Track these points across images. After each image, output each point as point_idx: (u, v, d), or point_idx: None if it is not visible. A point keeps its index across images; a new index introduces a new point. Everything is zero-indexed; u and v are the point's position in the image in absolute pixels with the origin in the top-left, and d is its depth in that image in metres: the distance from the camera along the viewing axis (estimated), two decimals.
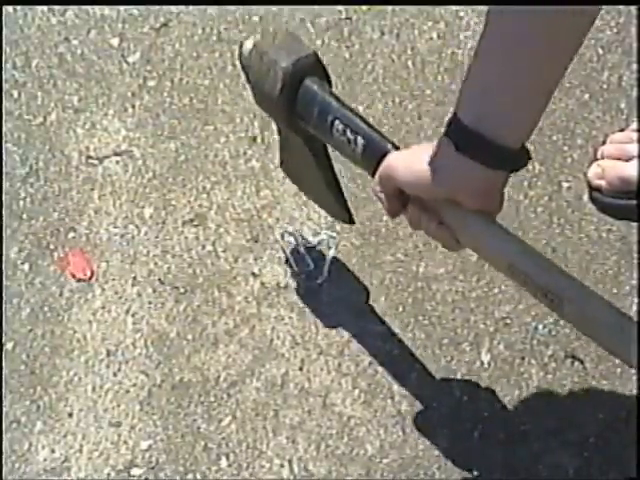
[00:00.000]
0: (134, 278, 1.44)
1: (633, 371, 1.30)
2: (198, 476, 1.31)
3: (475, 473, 1.27)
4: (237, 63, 1.54)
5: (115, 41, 1.61)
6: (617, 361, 1.32)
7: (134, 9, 1.63)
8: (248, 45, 1.23)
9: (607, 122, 1.47)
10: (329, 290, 1.40)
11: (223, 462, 1.31)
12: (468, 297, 1.38)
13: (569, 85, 1.49)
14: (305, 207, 1.45)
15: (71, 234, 1.47)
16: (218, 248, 1.45)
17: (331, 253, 1.42)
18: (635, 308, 1.34)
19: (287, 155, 1.36)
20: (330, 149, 1.24)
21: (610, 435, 1.28)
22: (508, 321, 1.36)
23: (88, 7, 1.63)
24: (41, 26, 1.63)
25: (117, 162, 1.52)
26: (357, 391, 1.34)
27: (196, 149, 1.52)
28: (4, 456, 1.33)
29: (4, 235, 1.48)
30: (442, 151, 0.98)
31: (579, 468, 1.26)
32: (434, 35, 1.56)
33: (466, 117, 0.95)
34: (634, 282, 1.36)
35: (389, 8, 1.58)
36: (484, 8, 0.93)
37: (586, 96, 1.49)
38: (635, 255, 1.37)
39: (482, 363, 1.34)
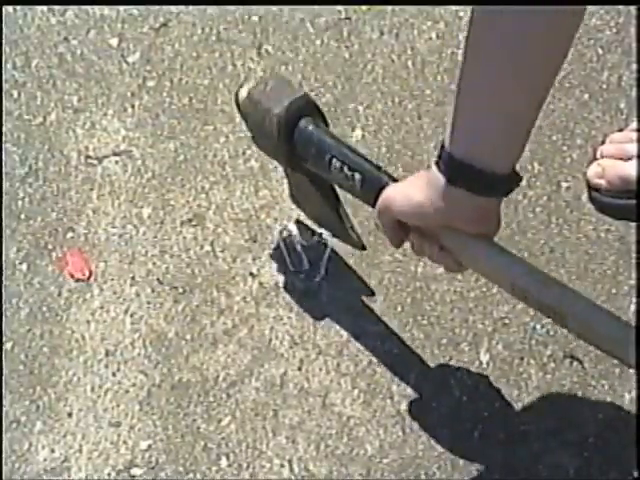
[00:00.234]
0: (133, 278, 1.44)
1: (632, 371, 1.30)
2: (198, 476, 1.31)
3: (475, 473, 1.27)
4: (237, 63, 1.55)
5: (115, 41, 1.60)
6: (616, 361, 1.32)
7: (134, 9, 1.63)
8: (243, 93, 1.26)
9: (607, 122, 1.47)
10: (328, 290, 1.40)
11: (223, 462, 1.31)
12: (467, 297, 1.38)
13: (569, 85, 1.49)
14: None
15: (70, 234, 1.47)
16: (216, 248, 1.45)
17: (329, 252, 1.42)
18: (633, 308, 1.34)
19: (294, 189, 1.39)
20: None
21: (610, 435, 1.28)
22: (507, 321, 1.36)
23: (88, 7, 1.63)
24: (41, 26, 1.63)
25: (116, 162, 1.52)
26: (356, 391, 1.34)
27: (195, 149, 1.52)
28: (4, 456, 1.33)
29: (3, 235, 1.47)
30: (435, 184, 0.99)
31: (579, 468, 1.26)
32: (434, 35, 1.56)
33: (456, 150, 0.96)
34: (632, 282, 1.36)
35: (389, 8, 1.58)
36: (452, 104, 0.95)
37: (586, 96, 1.49)
38: (633, 255, 1.37)
39: (481, 363, 1.34)
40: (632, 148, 1.10)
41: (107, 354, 1.39)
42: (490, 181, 0.97)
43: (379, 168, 1.17)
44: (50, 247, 1.46)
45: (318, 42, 1.57)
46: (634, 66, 1.50)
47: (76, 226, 1.48)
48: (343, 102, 1.53)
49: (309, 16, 1.60)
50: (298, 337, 1.38)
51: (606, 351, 1.02)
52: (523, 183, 1.41)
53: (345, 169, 1.18)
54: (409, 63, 1.55)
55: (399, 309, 1.38)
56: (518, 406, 1.31)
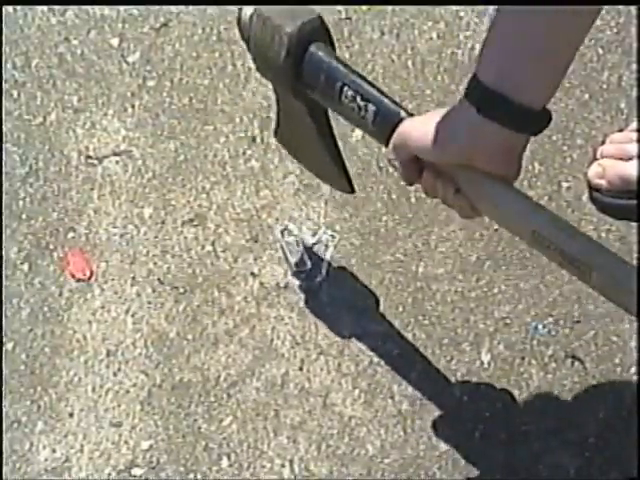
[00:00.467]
0: (133, 278, 1.44)
1: (633, 371, 1.30)
2: (199, 476, 1.31)
3: (476, 473, 1.27)
4: (237, 63, 1.55)
5: (115, 41, 1.60)
6: (617, 361, 1.32)
7: (134, 9, 1.62)
8: (248, 11, 1.18)
9: (607, 122, 1.47)
10: (329, 290, 1.40)
11: (224, 462, 1.31)
12: (468, 297, 1.38)
13: (569, 85, 1.49)
14: (304, 207, 1.46)
15: (70, 234, 1.47)
16: (217, 248, 1.45)
17: (330, 252, 1.42)
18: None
19: (286, 124, 1.31)
20: (333, 116, 1.21)
21: (610, 435, 1.28)
22: (508, 321, 1.36)
23: (88, 7, 1.63)
24: (41, 26, 1.63)
25: (117, 162, 1.52)
26: (357, 391, 1.34)
27: (195, 149, 1.52)
28: (5, 456, 1.33)
29: (4, 235, 1.47)
30: (462, 114, 0.96)
31: (579, 468, 1.27)
32: (434, 35, 1.56)
33: (487, 78, 0.93)
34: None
35: (389, 8, 1.58)
36: (484, 8, 0.94)
37: (586, 96, 1.49)
38: (635, 255, 1.37)
39: (482, 363, 1.34)
40: (632, 148, 1.09)
41: (108, 354, 1.39)
42: (522, 115, 0.94)
43: (395, 102, 1.10)
44: (51, 247, 1.47)
45: None
46: (634, 66, 1.50)
47: (77, 226, 1.48)
48: None
49: None
50: (299, 337, 1.38)
51: (630, 309, 0.97)
52: (524, 183, 1.42)
53: (358, 99, 1.10)
54: (409, 63, 1.55)
55: (400, 309, 1.38)
56: (519, 406, 1.31)
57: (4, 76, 1.59)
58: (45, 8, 1.64)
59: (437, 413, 1.31)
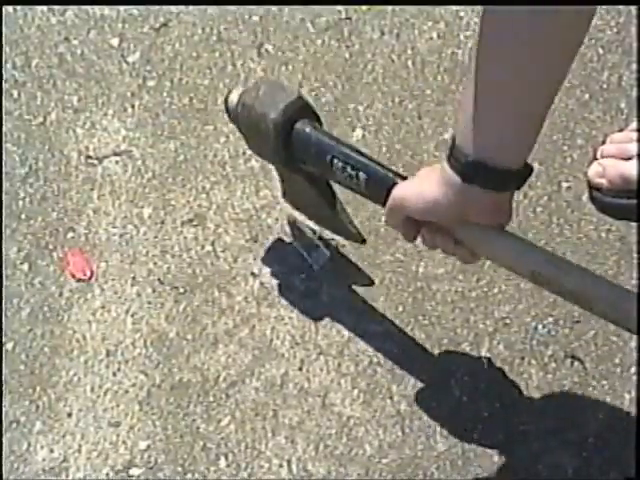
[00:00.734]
0: (133, 278, 1.44)
1: (633, 371, 1.30)
2: (197, 476, 1.31)
3: (475, 473, 1.27)
4: (237, 63, 1.55)
5: (115, 41, 1.60)
6: (617, 361, 1.32)
7: (134, 9, 1.62)
8: (233, 98, 1.25)
9: (607, 122, 1.47)
10: (329, 290, 1.40)
11: (222, 462, 1.31)
12: (468, 297, 1.38)
13: (569, 85, 1.49)
14: None
15: (70, 234, 1.47)
16: (217, 248, 1.45)
17: (330, 252, 1.41)
18: None
19: (289, 189, 1.38)
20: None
21: (610, 435, 1.28)
22: (508, 321, 1.36)
23: (88, 7, 1.63)
24: (41, 26, 1.63)
25: (116, 162, 1.52)
26: (356, 391, 1.34)
27: (195, 149, 1.52)
28: (3, 456, 1.33)
29: (3, 235, 1.47)
30: (448, 182, 0.99)
31: (579, 468, 1.26)
32: (434, 35, 1.56)
33: (470, 149, 0.96)
34: (634, 282, 1.36)
35: (389, 8, 1.58)
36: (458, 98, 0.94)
37: (586, 96, 1.49)
38: (635, 255, 1.37)
39: (482, 363, 1.34)
40: (633, 148, 1.10)
41: (108, 354, 1.39)
42: (505, 177, 0.98)
43: (383, 166, 1.16)
44: (51, 247, 1.47)
45: (319, 42, 1.57)
46: (634, 66, 1.50)
47: (77, 226, 1.48)
48: (343, 102, 1.52)
49: (309, 16, 1.59)
50: (299, 337, 1.38)
51: (631, 330, 1.01)
52: None
53: (348, 169, 1.17)
54: (409, 63, 1.54)
55: (400, 309, 1.38)
56: (518, 406, 1.31)
57: (4, 76, 1.59)
58: (45, 8, 1.64)
59: (436, 413, 1.31)
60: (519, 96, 0.93)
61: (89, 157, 1.53)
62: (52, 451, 1.33)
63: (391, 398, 1.33)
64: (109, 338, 1.40)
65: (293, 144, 1.21)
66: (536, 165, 1.43)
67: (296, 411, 1.33)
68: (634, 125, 1.15)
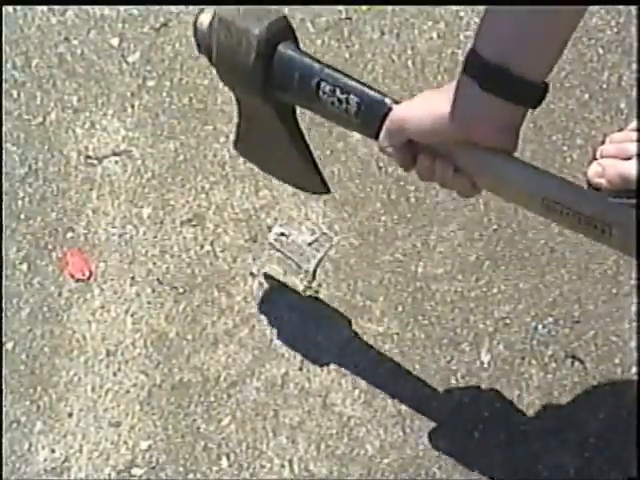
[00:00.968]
0: (133, 278, 1.44)
1: (633, 371, 1.30)
2: (198, 476, 1.31)
3: (475, 473, 1.27)
4: None
5: (115, 41, 1.60)
6: (617, 361, 1.32)
7: (134, 9, 1.62)
8: (205, 18, 1.14)
9: (607, 122, 1.47)
10: (328, 290, 1.40)
11: (223, 462, 1.31)
12: (467, 297, 1.38)
13: (569, 85, 1.49)
14: (303, 207, 1.45)
15: (70, 234, 1.47)
16: (217, 248, 1.44)
17: (329, 252, 1.42)
18: (634, 308, 1.34)
19: (250, 133, 1.27)
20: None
21: (610, 435, 1.28)
22: (508, 321, 1.36)
23: (88, 7, 1.63)
24: (41, 26, 1.63)
25: (116, 162, 1.52)
26: (357, 391, 1.34)
27: (195, 149, 1.52)
28: (4, 456, 1.33)
29: (3, 235, 1.47)
30: (462, 90, 0.95)
31: (579, 468, 1.26)
32: (434, 35, 1.56)
33: (487, 52, 0.93)
34: (633, 282, 1.36)
35: (389, 8, 1.58)
36: (484, 8, 0.93)
37: (586, 96, 1.49)
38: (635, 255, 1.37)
39: (482, 363, 1.34)
40: (632, 147, 1.10)
41: (108, 354, 1.39)
42: (524, 88, 0.94)
43: (377, 90, 1.07)
44: (50, 247, 1.46)
45: (319, 42, 1.57)
46: (634, 66, 1.50)
47: (76, 226, 1.48)
48: None
49: (310, 16, 1.59)
50: (299, 337, 1.38)
51: None
52: None
53: (337, 92, 1.07)
54: (409, 63, 1.54)
55: (400, 309, 1.38)
56: (519, 406, 1.31)
57: (4, 76, 1.59)
58: (45, 8, 1.64)
59: (436, 413, 1.31)
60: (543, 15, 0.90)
61: (88, 157, 1.53)
62: (53, 451, 1.33)
63: (391, 398, 1.33)
64: (109, 338, 1.40)
65: (274, 66, 1.10)
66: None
67: (297, 411, 1.33)
68: (634, 125, 1.15)
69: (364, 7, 1.59)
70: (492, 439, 1.29)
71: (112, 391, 1.37)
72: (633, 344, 1.32)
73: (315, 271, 1.41)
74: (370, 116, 1.05)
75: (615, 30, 1.53)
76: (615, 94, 1.49)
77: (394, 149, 1.05)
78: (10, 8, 1.64)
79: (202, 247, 1.45)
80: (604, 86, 1.49)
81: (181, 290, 1.42)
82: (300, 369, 1.36)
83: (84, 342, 1.40)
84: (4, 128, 1.55)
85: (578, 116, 1.48)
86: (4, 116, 1.56)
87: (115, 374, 1.37)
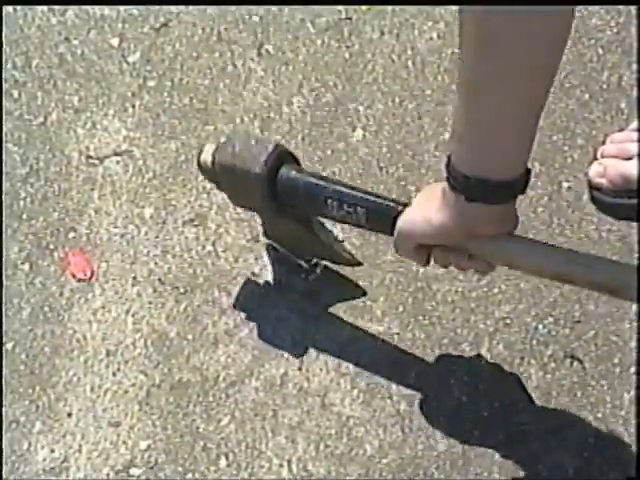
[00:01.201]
0: (134, 278, 1.44)
1: (633, 371, 1.30)
2: (197, 476, 1.31)
3: (474, 473, 1.27)
4: (237, 63, 1.55)
5: (115, 41, 1.61)
6: (617, 361, 1.32)
7: (134, 9, 1.63)
8: (207, 158, 1.25)
9: (607, 122, 1.47)
10: (329, 290, 1.40)
11: (222, 462, 1.31)
12: (468, 297, 1.38)
13: (569, 85, 1.49)
14: None
15: (71, 234, 1.47)
16: (218, 248, 1.45)
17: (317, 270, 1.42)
18: (634, 308, 1.34)
19: (274, 230, 1.37)
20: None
21: (610, 435, 1.28)
22: (508, 321, 1.36)
23: (88, 7, 1.63)
24: (41, 26, 1.63)
25: (117, 162, 1.52)
26: (356, 391, 1.34)
27: (196, 149, 1.51)
28: (3, 456, 1.33)
29: (4, 235, 1.47)
30: (453, 203, 1.00)
31: (579, 468, 1.26)
32: (434, 35, 1.56)
33: (469, 169, 0.97)
34: None
35: (389, 8, 1.58)
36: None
37: (586, 96, 1.49)
38: (635, 255, 1.37)
39: (482, 363, 1.34)
40: (633, 147, 1.10)
41: (108, 354, 1.39)
42: (507, 189, 0.98)
43: (380, 196, 1.16)
44: (52, 247, 1.47)
45: (319, 42, 1.57)
46: (634, 66, 1.50)
47: (78, 226, 1.48)
48: (344, 102, 1.52)
49: (309, 16, 1.60)
50: (299, 337, 1.38)
51: None
52: None
53: (345, 206, 1.17)
54: (409, 63, 1.54)
55: (400, 309, 1.38)
56: (518, 406, 1.31)
57: (4, 76, 1.59)
58: (45, 8, 1.64)
59: (436, 413, 1.31)
60: (520, 101, 0.92)
61: (90, 157, 1.53)
62: (52, 451, 1.34)
63: (391, 398, 1.33)
64: (109, 338, 1.40)
65: (281, 192, 1.20)
66: (536, 165, 1.44)
67: (296, 411, 1.33)
68: (634, 125, 1.15)
69: (364, 7, 1.59)
70: (491, 439, 1.29)
71: (111, 391, 1.37)
72: (633, 344, 1.32)
73: (315, 271, 1.41)
74: (380, 221, 1.15)
75: (615, 30, 1.53)
76: (615, 94, 1.48)
77: (408, 253, 1.13)
78: (10, 8, 1.64)
79: (204, 247, 1.45)
80: (604, 86, 1.49)
81: (182, 290, 1.42)
82: (299, 369, 1.36)
83: (84, 342, 1.40)
84: (5, 128, 1.55)
85: (578, 116, 1.48)
86: (5, 116, 1.56)
87: (115, 374, 1.37)
